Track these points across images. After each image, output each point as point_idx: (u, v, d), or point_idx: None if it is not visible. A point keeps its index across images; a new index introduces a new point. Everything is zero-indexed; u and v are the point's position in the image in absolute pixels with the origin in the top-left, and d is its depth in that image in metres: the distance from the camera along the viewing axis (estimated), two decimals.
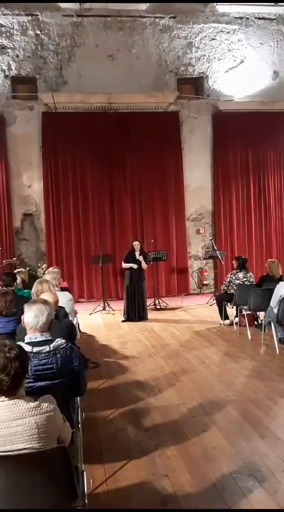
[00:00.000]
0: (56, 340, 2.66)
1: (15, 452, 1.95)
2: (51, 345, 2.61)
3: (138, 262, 8.79)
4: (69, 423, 2.37)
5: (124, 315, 8.91)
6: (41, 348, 2.58)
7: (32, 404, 2.01)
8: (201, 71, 12.03)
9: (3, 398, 2.01)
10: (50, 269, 7.30)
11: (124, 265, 8.93)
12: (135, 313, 8.79)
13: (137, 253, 8.87)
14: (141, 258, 8.82)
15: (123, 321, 8.77)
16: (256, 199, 12.33)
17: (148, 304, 9.60)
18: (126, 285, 8.92)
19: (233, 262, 8.21)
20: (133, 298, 8.81)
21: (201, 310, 9.78)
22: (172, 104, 11.89)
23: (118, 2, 11.18)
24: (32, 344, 2.61)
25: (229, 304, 7.83)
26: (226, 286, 7.93)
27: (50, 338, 2.69)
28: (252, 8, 11.85)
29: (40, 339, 2.65)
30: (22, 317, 2.83)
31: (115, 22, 11.51)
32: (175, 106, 11.92)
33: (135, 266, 8.79)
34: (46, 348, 2.58)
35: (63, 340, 2.68)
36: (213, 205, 12.22)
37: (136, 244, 8.95)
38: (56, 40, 11.35)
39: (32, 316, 2.71)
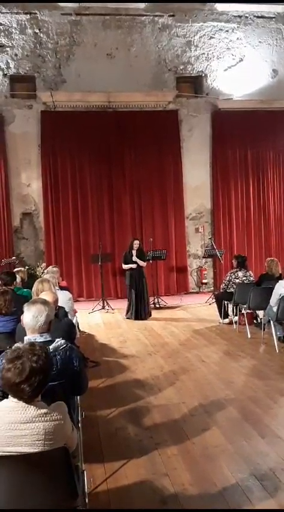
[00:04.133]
0: (56, 341, 2.64)
1: (18, 454, 1.95)
2: (51, 346, 2.58)
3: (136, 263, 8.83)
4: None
5: (127, 313, 8.94)
6: None
7: (43, 410, 2.00)
8: (200, 70, 12.02)
9: (16, 400, 2.00)
10: (49, 268, 7.30)
11: (124, 266, 8.96)
12: (141, 311, 8.82)
13: (134, 252, 8.88)
14: (134, 259, 8.81)
15: (127, 318, 8.83)
16: (255, 198, 12.33)
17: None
18: (128, 285, 8.96)
19: (233, 261, 8.21)
20: (137, 297, 8.83)
21: (200, 309, 9.78)
22: (171, 103, 11.88)
23: (117, 2, 11.16)
24: None
25: (228, 303, 7.83)
26: (225, 285, 7.93)
27: (49, 339, 2.67)
28: (251, 7, 11.84)
29: (39, 340, 2.61)
30: (22, 317, 2.81)
31: (114, 21, 11.49)
32: (174, 105, 11.91)
33: (134, 266, 8.81)
34: None
35: (63, 341, 2.66)
36: (212, 204, 12.22)
37: (137, 243, 8.96)
38: (54, 39, 11.33)
39: (30, 316, 2.69)
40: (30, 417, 1.97)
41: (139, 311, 8.82)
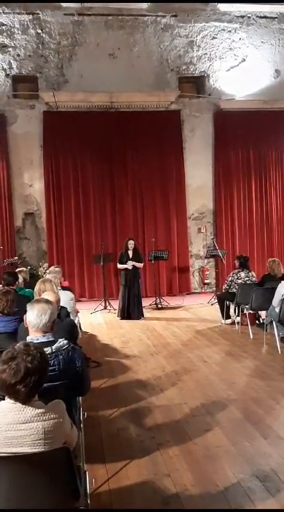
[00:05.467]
0: (58, 341, 2.64)
1: (19, 454, 1.95)
2: (53, 346, 2.58)
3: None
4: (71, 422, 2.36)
5: (119, 312, 8.99)
6: None
7: (41, 410, 2.00)
8: (202, 70, 12.01)
9: (13, 400, 2.00)
10: (51, 268, 7.31)
11: (119, 266, 9.00)
12: (130, 311, 8.84)
13: (130, 253, 8.88)
14: (130, 263, 8.79)
15: (117, 316, 8.88)
16: (257, 198, 12.32)
17: (149, 304, 9.66)
18: (122, 285, 9.01)
19: (235, 261, 8.20)
20: (129, 297, 8.85)
21: (202, 309, 9.77)
22: (174, 103, 11.87)
23: (120, 2, 11.17)
24: None
25: (231, 303, 7.82)
26: (227, 286, 7.92)
27: (52, 339, 2.66)
28: (254, 7, 11.83)
29: (42, 340, 2.61)
30: (24, 317, 2.81)
31: (116, 21, 11.49)
32: (176, 105, 11.90)
33: (129, 267, 8.81)
34: (48, 350, 2.54)
35: (66, 341, 2.65)
36: (214, 204, 12.21)
37: (131, 243, 8.96)
38: (57, 39, 11.34)
39: (34, 315, 2.69)
40: (28, 417, 1.96)
41: (129, 311, 8.83)
